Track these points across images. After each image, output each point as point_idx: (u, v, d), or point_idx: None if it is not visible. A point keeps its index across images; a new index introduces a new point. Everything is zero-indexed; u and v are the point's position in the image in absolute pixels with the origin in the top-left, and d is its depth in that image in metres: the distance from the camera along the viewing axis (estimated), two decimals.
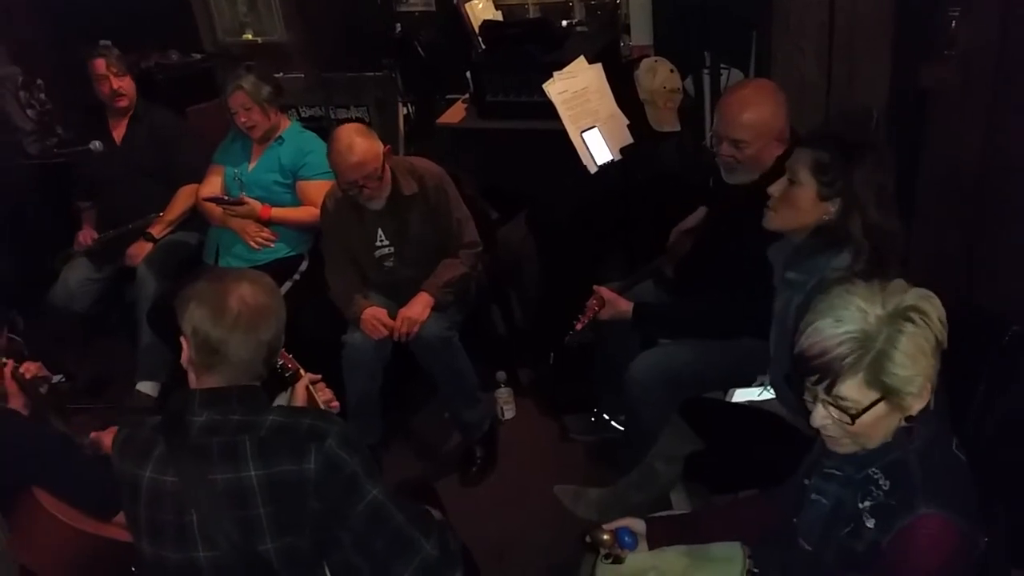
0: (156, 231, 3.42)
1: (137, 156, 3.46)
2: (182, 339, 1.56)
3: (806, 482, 1.58)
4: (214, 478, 1.49)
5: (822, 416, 1.40)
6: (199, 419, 1.53)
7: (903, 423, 1.39)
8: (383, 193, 2.74)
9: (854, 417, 1.36)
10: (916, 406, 1.37)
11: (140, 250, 3.39)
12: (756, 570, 1.72)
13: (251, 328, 1.53)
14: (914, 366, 1.33)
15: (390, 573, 1.57)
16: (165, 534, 1.53)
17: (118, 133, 3.49)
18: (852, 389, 1.35)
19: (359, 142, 2.63)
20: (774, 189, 1.99)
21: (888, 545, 1.37)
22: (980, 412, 1.98)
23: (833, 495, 1.51)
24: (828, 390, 1.37)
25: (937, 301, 1.38)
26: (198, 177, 3.42)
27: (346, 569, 1.58)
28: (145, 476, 1.53)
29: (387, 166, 2.73)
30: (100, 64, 3.38)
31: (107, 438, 2.04)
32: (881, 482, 1.42)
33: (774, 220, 2.00)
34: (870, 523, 1.41)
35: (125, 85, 3.43)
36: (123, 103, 3.44)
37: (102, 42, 4.09)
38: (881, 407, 1.36)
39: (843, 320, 1.35)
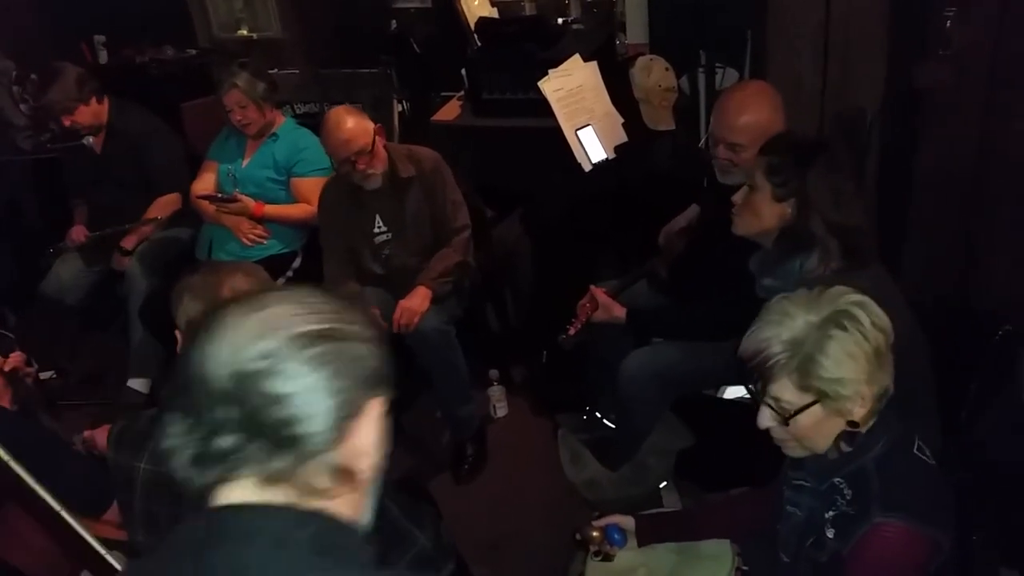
0: (128, 244, 3.36)
1: (116, 168, 3.42)
2: (177, 333, 1.57)
3: (785, 491, 1.59)
4: None
5: (765, 417, 1.44)
6: None
7: (847, 428, 1.41)
8: (377, 169, 2.77)
9: (788, 417, 1.40)
10: (857, 411, 1.39)
11: (120, 262, 3.37)
12: (745, 568, 1.72)
13: None
14: (842, 370, 1.36)
15: (385, 565, 1.57)
16: (160, 526, 1.54)
17: (98, 144, 3.44)
18: (785, 390, 1.39)
19: (347, 119, 2.71)
20: (737, 197, 2.03)
21: (848, 555, 1.39)
22: (972, 410, 1.98)
23: (806, 506, 1.52)
24: (764, 391, 1.41)
25: (874, 307, 1.40)
26: (177, 186, 3.40)
27: None
28: (141, 468, 1.54)
29: (379, 143, 2.76)
30: (46, 106, 3.34)
31: (100, 436, 2.03)
32: (845, 491, 1.44)
33: (739, 226, 2.04)
34: (830, 533, 1.43)
35: (78, 118, 3.30)
36: (84, 132, 3.37)
37: (96, 37, 4.09)
38: (816, 410, 1.39)
39: (776, 324, 1.40)
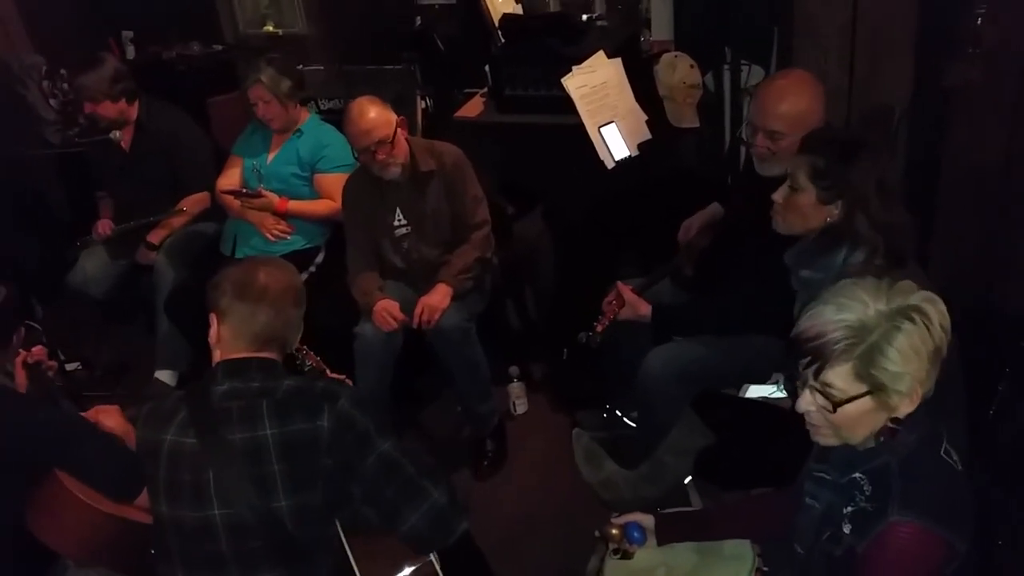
0: (155, 239, 3.40)
1: (143, 165, 3.44)
2: (211, 316, 1.67)
3: (806, 483, 1.58)
4: (232, 438, 1.58)
5: (807, 402, 1.40)
6: (221, 388, 1.62)
7: (889, 424, 1.38)
8: (398, 160, 2.78)
9: (836, 405, 1.36)
10: (903, 408, 1.37)
11: (146, 257, 3.40)
12: (766, 569, 1.71)
13: (276, 301, 1.67)
14: (906, 364, 1.33)
15: (400, 518, 1.65)
16: (183, 494, 1.61)
17: (125, 140, 3.46)
18: (840, 377, 1.35)
19: (370, 108, 2.73)
20: (777, 196, 2.00)
21: (862, 552, 1.38)
22: (998, 413, 1.96)
23: (824, 500, 1.51)
24: (816, 375, 1.37)
25: (942, 307, 1.37)
26: (205, 186, 3.43)
27: (356, 521, 1.67)
28: (166, 440, 1.63)
29: (401, 136, 2.79)
30: (75, 89, 3.37)
31: (102, 417, 2.04)
32: (865, 487, 1.42)
33: (780, 226, 2.03)
34: (847, 529, 1.42)
35: (100, 110, 3.32)
36: (101, 124, 3.38)
37: (124, 33, 4.13)
38: (866, 401, 1.36)
39: (844, 308, 1.36)
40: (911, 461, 1.39)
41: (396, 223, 2.91)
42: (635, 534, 1.78)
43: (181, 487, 1.61)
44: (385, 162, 2.76)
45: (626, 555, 1.79)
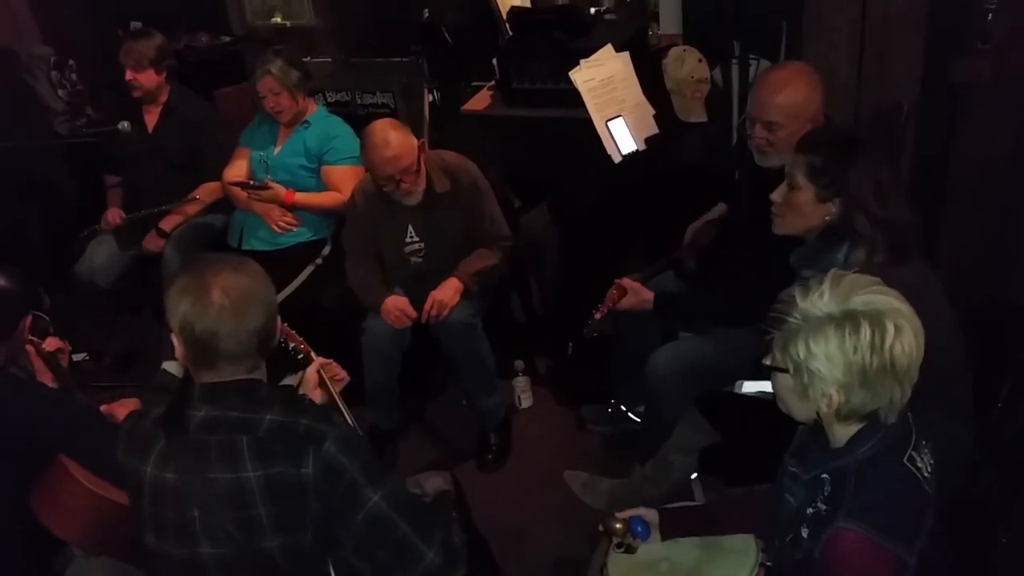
0: (167, 225, 3.42)
1: (166, 147, 3.46)
2: (174, 338, 1.53)
3: (784, 479, 1.59)
4: (213, 477, 1.48)
5: (767, 358, 1.49)
6: (199, 414, 1.51)
7: (816, 417, 1.44)
8: (420, 187, 2.74)
9: (767, 366, 1.46)
10: (822, 405, 1.41)
11: (154, 243, 3.42)
12: (769, 563, 1.71)
13: (238, 318, 1.48)
14: (815, 363, 1.38)
15: None
16: (168, 530, 1.54)
17: (150, 120, 3.49)
18: (776, 344, 1.44)
19: (394, 136, 2.64)
20: (776, 195, 2.01)
21: (818, 556, 1.39)
22: (1003, 411, 1.95)
23: (799, 497, 1.52)
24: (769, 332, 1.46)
25: (888, 330, 1.34)
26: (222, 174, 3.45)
27: (348, 570, 1.58)
28: (147, 472, 1.53)
29: (423, 160, 2.73)
30: (121, 53, 3.39)
31: (119, 410, 2.07)
32: (826, 488, 1.44)
33: (780, 225, 2.03)
34: (804, 532, 1.44)
35: (141, 78, 3.37)
36: (136, 94, 3.42)
37: (132, 23, 4.16)
38: (788, 379, 1.43)
39: (807, 292, 1.41)
40: (867, 466, 1.40)
41: (408, 239, 2.88)
42: (639, 528, 1.79)
43: (166, 523, 1.53)
44: (408, 190, 2.72)
45: (629, 549, 1.80)
